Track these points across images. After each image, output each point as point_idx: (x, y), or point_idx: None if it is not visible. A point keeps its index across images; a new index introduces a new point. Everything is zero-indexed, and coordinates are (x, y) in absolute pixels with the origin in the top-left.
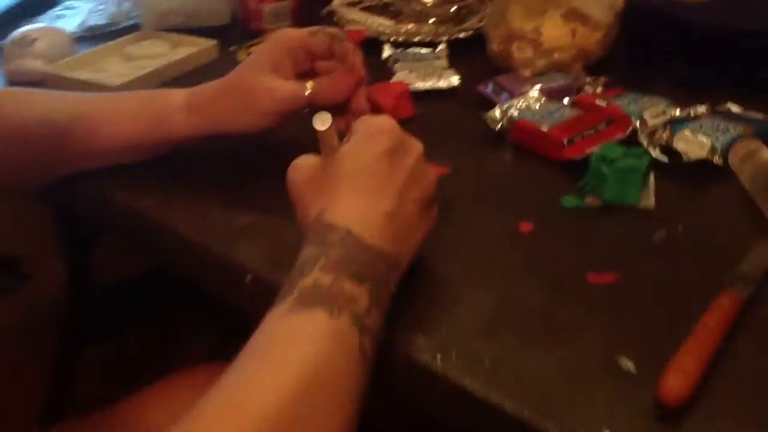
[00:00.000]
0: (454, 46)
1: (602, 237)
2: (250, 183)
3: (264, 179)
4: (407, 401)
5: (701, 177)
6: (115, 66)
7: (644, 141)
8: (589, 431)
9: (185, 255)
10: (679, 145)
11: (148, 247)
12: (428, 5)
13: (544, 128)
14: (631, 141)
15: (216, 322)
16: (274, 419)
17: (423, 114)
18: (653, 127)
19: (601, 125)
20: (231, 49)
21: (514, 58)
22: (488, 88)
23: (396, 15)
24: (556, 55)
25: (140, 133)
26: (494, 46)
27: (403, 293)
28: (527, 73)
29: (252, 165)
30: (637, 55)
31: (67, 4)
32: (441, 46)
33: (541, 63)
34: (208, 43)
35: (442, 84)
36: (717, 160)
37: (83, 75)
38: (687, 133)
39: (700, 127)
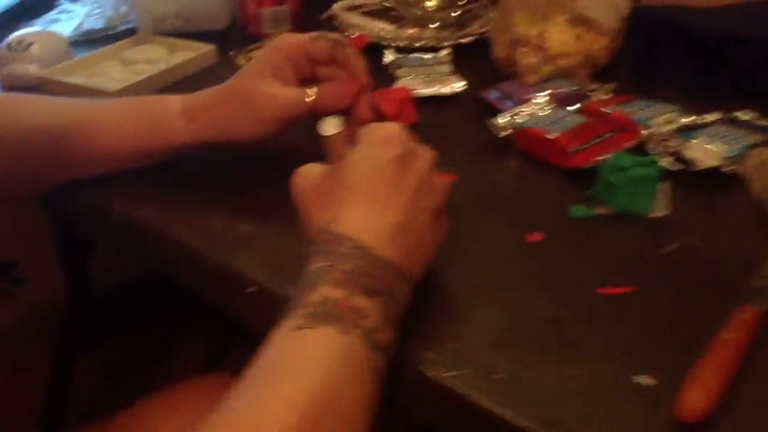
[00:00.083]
0: (457, 51)
1: (613, 247)
2: (251, 190)
3: (264, 187)
4: (417, 417)
5: (713, 185)
6: (111, 70)
7: (654, 149)
8: None
9: (184, 263)
10: (690, 153)
11: (147, 255)
12: (430, 10)
13: (551, 136)
14: (640, 149)
15: (213, 328)
16: None
17: (426, 121)
18: (663, 134)
19: (609, 133)
20: (229, 53)
21: (518, 64)
22: (493, 95)
23: (397, 19)
24: (561, 61)
25: (138, 140)
26: (498, 51)
27: (411, 306)
28: (532, 79)
29: (252, 172)
30: (643, 61)
31: (63, 7)
32: (444, 52)
33: (546, 69)
34: (206, 48)
35: (446, 90)
36: (729, 168)
37: (79, 80)
38: (697, 140)
39: (711, 134)
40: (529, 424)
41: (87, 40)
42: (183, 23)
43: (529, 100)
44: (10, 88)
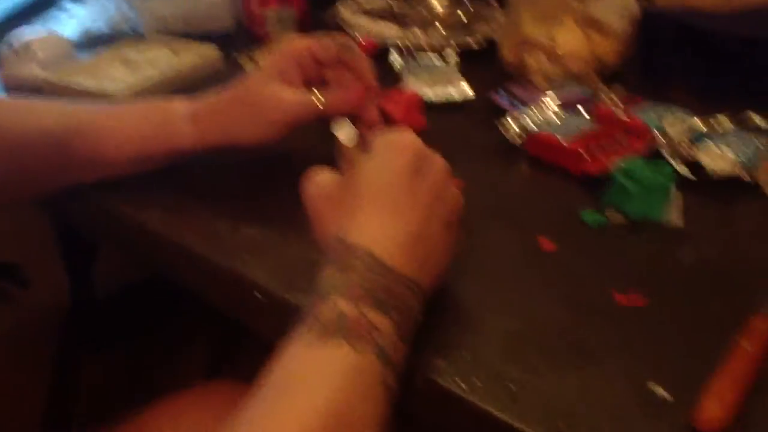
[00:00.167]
0: (463, 53)
1: (627, 255)
2: (257, 194)
3: (270, 191)
4: (429, 425)
5: (727, 191)
6: (115, 72)
7: (667, 154)
8: None
9: (190, 268)
10: (704, 158)
11: (152, 259)
12: (436, 12)
13: (563, 141)
14: (653, 154)
15: (215, 332)
16: None
17: (434, 124)
18: (675, 139)
19: (622, 137)
20: (234, 54)
21: (527, 67)
22: (502, 98)
23: (403, 22)
24: (571, 64)
25: (144, 144)
26: (507, 53)
27: (423, 315)
28: (541, 82)
29: (258, 176)
30: (654, 64)
31: (66, 9)
32: (451, 54)
33: (555, 72)
34: (210, 49)
35: (454, 93)
36: (743, 174)
37: (83, 82)
38: (711, 146)
39: (724, 139)
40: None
41: (90, 41)
42: (187, 25)
43: (538, 103)
44: (13, 89)
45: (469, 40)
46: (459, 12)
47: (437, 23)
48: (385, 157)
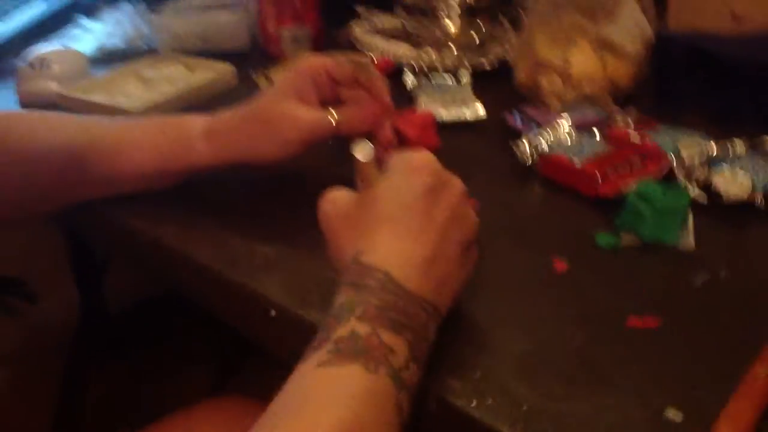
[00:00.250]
0: (477, 75)
1: (640, 278)
2: (272, 212)
3: (286, 208)
4: None
5: (742, 216)
6: (131, 89)
7: (681, 178)
8: None
9: (203, 284)
10: (719, 183)
11: (165, 274)
12: (450, 32)
13: (577, 163)
14: (668, 177)
15: (222, 348)
16: None
17: (447, 144)
18: (690, 163)
19: (636, 160)
20: (249, 73)
21: (541, 89)
22: (516, 119)
23: (416, 41)
24: (585, 86)
25: (159, 160)
26: (520, 75)
27: (438, 335)
28: (555, 103)
29: (273, 194)
30: (668, 87)
31: (83, 25)
32: (464, 75)
33: (569, 93)
34: (225, 67)
35: (468, 114)
36: (758, 199)
37: (99, 98)
38: (725, 170)
39: (739, 164)
40: None
41: (106, 58)
42: (203, 43)
43: (552, 124)
44: (30, 105)
45: (483, 60)
46: (472, 32)
47: (451, 43)
48: (402, 178)
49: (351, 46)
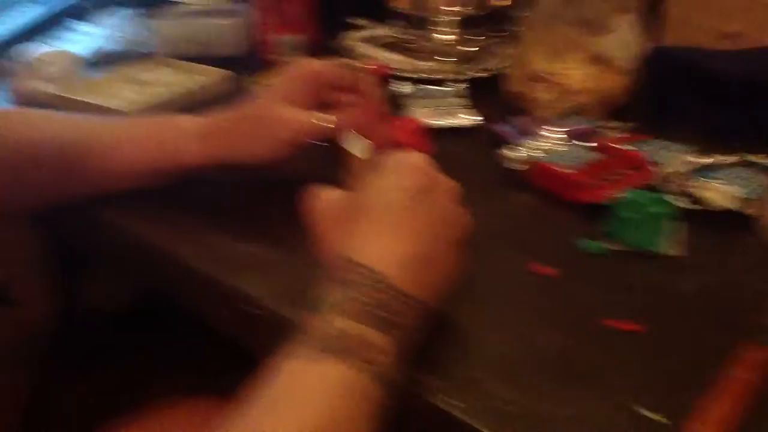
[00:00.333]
0: (471, 85)
1: (625, 284)
2: (259, 212)
3: (273, 209)
4: None
5: (728, 227)
6: (125, 90)
7: (669, 188)
8: None
9: (187, 283)
10: (706, 193)
11: (147, 274)
12: (444, 43)
13: (566, 171)
14: (655, 187)
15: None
16: None
17: (439, 152)
18: (677, 173)
19: (624, 169)
20: (245, 79)
21: (535, 100)
22: (507, 129)
23: (411, 53)
24: (578, 98)
25: (151, 159)
26: (514, 86)
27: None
28: (547, 113)
29: (261, 194)
30: (660, 102)
31: (79, 27)
32: (459, 85)
33: (561, 105)
34: (221, 73)
35: (460, 122)
36: (743, 209)
37: (93, 99)
38: (713, 182)
39: (726, 176)
40: None
41: (102, 60)
42: (199, 48)
43: (543, 134)
44: (23, 104)
45: (476, 71)
46: (466, 43)
47: (444, 54)
48: (395, 178)
49: (346, 54)
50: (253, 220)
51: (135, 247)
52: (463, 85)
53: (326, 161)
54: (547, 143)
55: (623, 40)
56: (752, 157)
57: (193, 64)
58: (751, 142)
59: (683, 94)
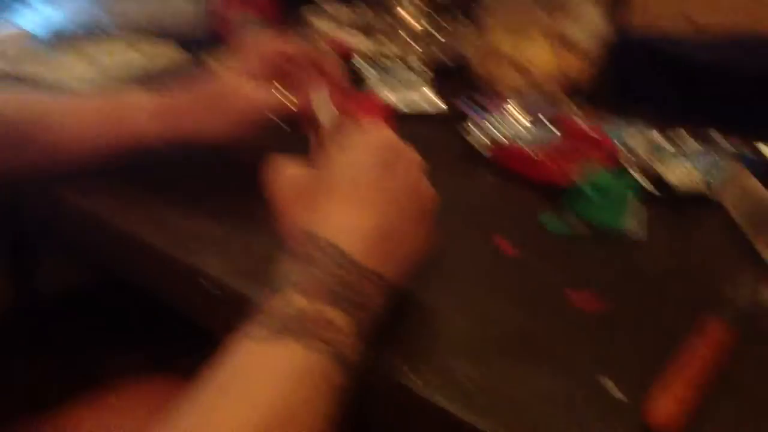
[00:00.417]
0: (432, 65)
1: (587, 261)
2: (216, 190)
3: (230, 186)
4: (383, 424)
5: (687, 204)
6: (78, 68)
7: (629, 167)
8: None
9: (138, 259)
10: (667, 173)
11: (97, 250)
12: (406, 24)
13: (529, 150)
14: (616, 166)
15: (161, 331)
16: None
17: (402, 132)
18: (638, 153)
19: (586, 149)
20: (201, 57)
21: (496, 79)
22: (469, 108)
23: (372, 32)
24: (539, 79)
25: (105, 136)
26: (477, 67)
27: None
28: (509, 94)
29: (218, 171)
30: (624, 84)
31: (33, 5)
32: (419, 65)
33: (523, 84)
34: (176, 50)
35: (421, 102)
36: (703, 188)
37: (45, 75)
38: (674, 161)
39: (686, 154)
40: (496, 428)
41: (56, 38)
42: (154, 26)
43: (505, 114)
44: None
45: (439, 52)
46: (429, 24)
47: (407, 35)
48: (359, 152)
49: (306, 32)
50: (209, 197)
51: (89, 225)
52: (427, 67)
53: (286, 142)
54: (510, 123)
55: (587, 23)
56: (714, 139)
57: (148, 41)
58: (712, 125)
59: (647, 77)
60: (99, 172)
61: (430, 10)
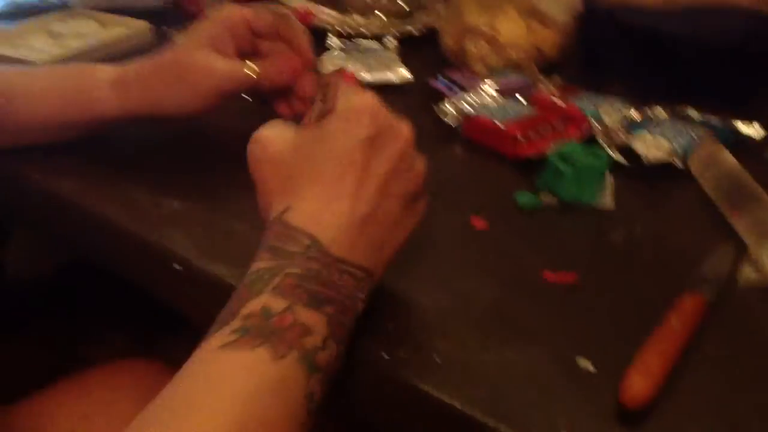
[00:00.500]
0: (404, 41)
1: (559, 236)
2: (180, 166)
3: (195, 163)
4: (358, 403)
5: (660, 178)
6: (39, 42)
7: (602, 140)
8: None
9: (106, 240)
10: (638, 146)
11: (68, 234)
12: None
13: (500, 125)
14: (589, 140)
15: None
16: None
17: None
18: (611, 126)
19: (558, 123)
20: (166, 31)
21: (468, 54)
22: (440, 83)
23: (342, 7)
24: (511, 53)
25: (61, 109)
26: (448, 41)
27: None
28: (481, 69)
29: (183, 148)
30: (593, 57)
31: None
32: (390, 40)
33: (495, 60)
34: (141, 24)
35: (392, 77)
36: (677, 162)
37: (4, 50)
38: (646, 134)
39: (659, 129)
40: (468, 407)
41: (16, 12)
42: (121, 2)
43: (477, 89)
44: None
45: (410, 27)
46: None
47: (377, 10)
48: (342, 125)
49: (271, 2)
50: (174, 174)
51: (54, 206)
52: (394, 40)
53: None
54: (482, 98)
55: None
56: (685, 111)
57: (111, 15)
58: (683, 97)
59: (617, 49)
60: (63, 150)
61: None
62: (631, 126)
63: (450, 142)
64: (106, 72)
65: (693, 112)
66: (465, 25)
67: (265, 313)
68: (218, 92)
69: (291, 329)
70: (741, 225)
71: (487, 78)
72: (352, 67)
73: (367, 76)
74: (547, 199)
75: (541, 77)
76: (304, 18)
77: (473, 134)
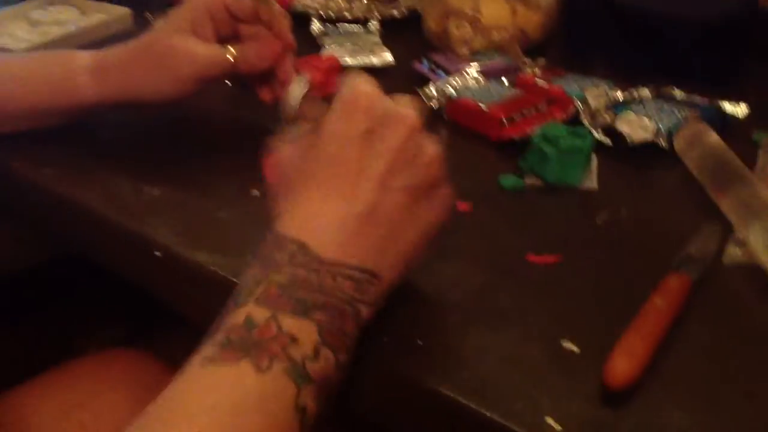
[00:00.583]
0: (387, 24)
1: (543, 218)
2: (161, 154)
3: (175, 150)
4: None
5: (645, 159)
6: (18, 30)
7: (587, 122)
8: (530, 417)
9: (87, 229)
10: (623, 126)
11: (48, 222)
12: None
13: (483, 106)
14: (573, 122)
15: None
16: None
17: None
18: (596, 108)
19: (542, 105)
20: (146, 15)
21: (451, 37)
22: (424, 66)
23: None
24: (495, 35)
25: (39, 95)
26: (431, 23)
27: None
28: (465, 51)
29: (163, 135)
30: (577, 38)
31: None
32: (373, 24)
33: (479, 42)
34: (120, 10)
35: (375, 60)
36: (662, 142)
37: None
38: (630, 115)
39: (644, 109)
40: (451, 391)
41: None
42: None
43: (461, 72)
44: None
45: (393, 10)
46: None
47: None
48: (338, 119)
49: None
50: (154, 162)
51: (34, 194)
52: (377, 23)
53: (231, 101)
54: (464, 80)
55: None
56: (670, 92)
57: (91, 1)
58: (667, 77)
59: (601, 30)
60: (43, 138)
61: None
62: (616, 107)
63: (433, 124)
64: (85, 58)
65: (678, 92)
66: (448, 8)
67: (248, 324)
68: (198, 77)
69: (275, 340)
70: (726, 204)
71: (470, 60)
72: (335, 51)
73: (349, 60)
74: (531, 180)
75: (525, 59)
76: (285, 2)
77: (457, 116)
